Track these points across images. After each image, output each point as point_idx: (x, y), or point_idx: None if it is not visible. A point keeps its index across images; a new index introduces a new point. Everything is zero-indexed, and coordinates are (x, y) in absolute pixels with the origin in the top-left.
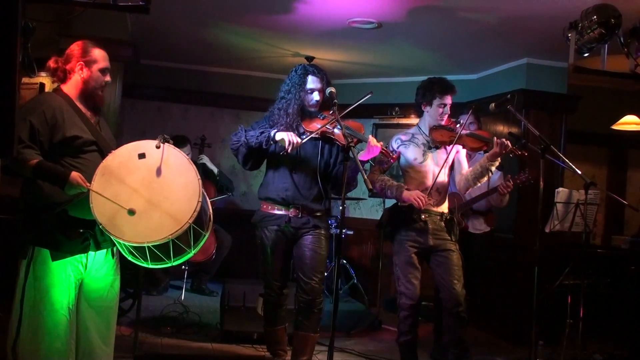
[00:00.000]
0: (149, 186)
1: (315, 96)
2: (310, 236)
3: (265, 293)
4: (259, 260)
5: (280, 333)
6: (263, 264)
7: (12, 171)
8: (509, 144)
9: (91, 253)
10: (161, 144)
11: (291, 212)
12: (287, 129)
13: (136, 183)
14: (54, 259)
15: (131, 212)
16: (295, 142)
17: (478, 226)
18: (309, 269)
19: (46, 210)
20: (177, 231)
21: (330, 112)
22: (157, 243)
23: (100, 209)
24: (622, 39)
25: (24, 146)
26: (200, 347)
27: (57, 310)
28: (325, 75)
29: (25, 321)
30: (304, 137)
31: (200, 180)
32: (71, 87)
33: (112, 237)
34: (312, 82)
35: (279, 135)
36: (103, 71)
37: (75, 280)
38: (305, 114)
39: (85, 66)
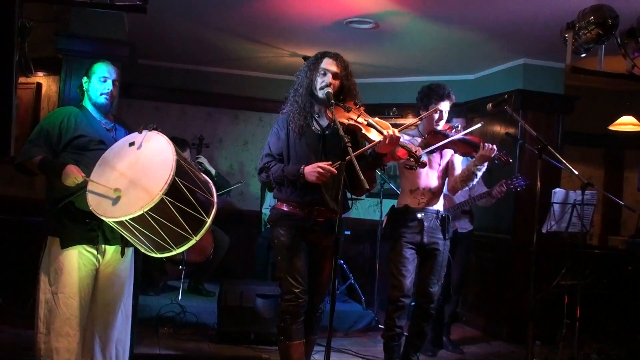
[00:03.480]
0: (133, 167)
1: (327, 78)
2: (332, 245)
3: (283, 301)
4: (275, 264)
5: (299, 349)
6: (280, 266)
7: (24, 169)
8: (495, 149)
9: (103, 249)
10: (142, 130)
11: (315, 215)
12: (300, 113)
13: (123, 167)
14: (63, 246)
15: (117, 191)
16: (327, 174)
17: (464, 225)
18: (323, 284)
19: (57, 202)
20: (149, 203)
21: (357, 106)
22: (133, 216)
23: (92, 194)
24: (619, 40)
25: (32, 145)
26: (197, 347)
27: (67, 295)
28: (346, 65)
29: (42, 305)
30: (327, 131)
31: (176, 157)
32: (87, 100)
33: (97, 215)
34: (326, 63)
35: (308, 175)
36: (102, 79)
37: (88, 271)
38: (319, 102)
39: (88, 78)
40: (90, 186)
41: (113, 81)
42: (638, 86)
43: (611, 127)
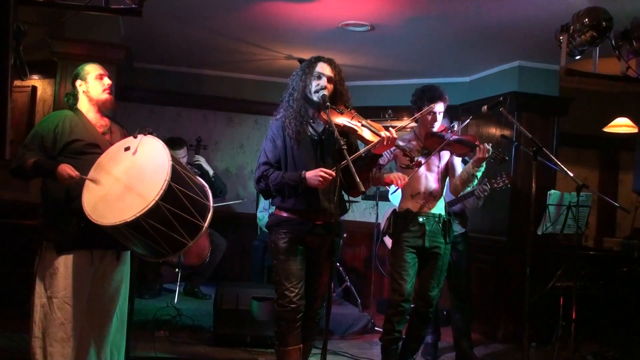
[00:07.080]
0: (128, 173)
1: (322, 82)
2: (329, 248)
3: (278, 306)
4: (271, 267)
5: (294, 355)
6: (275, 271)
7: (20, 173)
8: (489, 149)
9: (99, 253)
10: (138, 135)
11: (313, 220)
12: (296, 118)
13: (119, 172)
14: (59, 251)
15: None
16: (329, 178)
17: (454, 228)
18: (323, 289)
19: (52, 206)
20: (144, 209)
21: (348, 109)
22: (128, 221)
23: (87, 199)
24: (613, 42)
25: (27, 150)
26: (193, 351)
27: (62, 300)
28: (339, 70)
29: (37, 309)
30: (324, 136)
31: (171, 162)
32: (82, 104)
33: (92, 220)
34: (321, 67)
35: (311, 180)
36: (98, 77)
37: (84, 275)
38: (313, 106)
39: (83, 81)
40: (85, 190)
41: (109, 76)
42: (632, 88)
43: (606, 129)
